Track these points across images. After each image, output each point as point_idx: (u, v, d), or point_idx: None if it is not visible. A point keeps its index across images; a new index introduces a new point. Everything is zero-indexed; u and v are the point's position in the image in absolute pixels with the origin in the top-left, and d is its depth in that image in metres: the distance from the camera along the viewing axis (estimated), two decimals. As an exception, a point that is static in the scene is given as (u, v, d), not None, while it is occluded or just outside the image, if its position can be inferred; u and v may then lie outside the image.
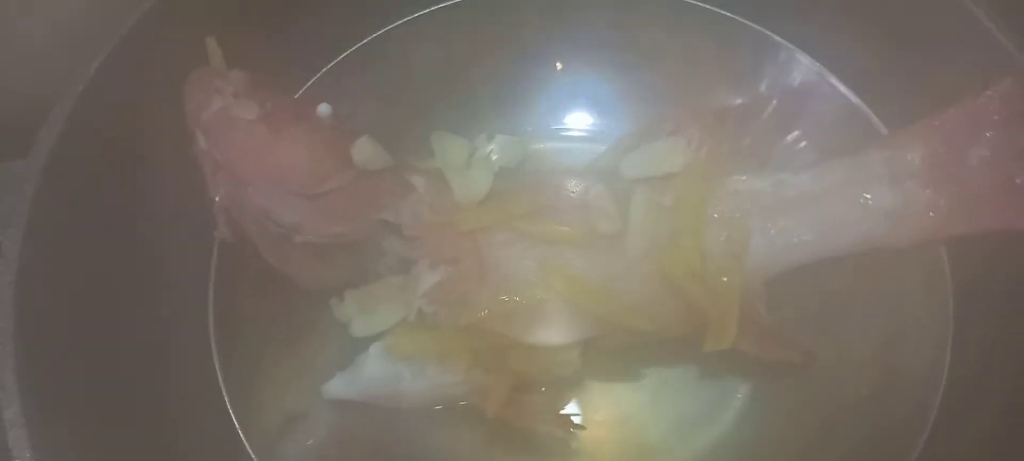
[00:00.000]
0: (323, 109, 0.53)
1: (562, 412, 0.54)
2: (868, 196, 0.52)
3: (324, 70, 0.58)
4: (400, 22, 0.59)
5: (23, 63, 0.62)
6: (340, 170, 0.51)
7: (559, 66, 0.63)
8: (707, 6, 0.58)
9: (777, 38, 0.58)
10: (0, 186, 0.48)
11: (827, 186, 0.53)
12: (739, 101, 0.59)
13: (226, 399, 0.52)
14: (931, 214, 0.51)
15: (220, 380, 0.52)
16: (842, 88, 0.56)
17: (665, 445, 0.54)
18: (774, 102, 0.57)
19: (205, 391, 0.52)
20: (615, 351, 0.54)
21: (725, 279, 0.52)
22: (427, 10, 0.59)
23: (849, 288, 0.54)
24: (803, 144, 0.58)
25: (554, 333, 0.51)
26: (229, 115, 0.49)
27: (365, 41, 0.59)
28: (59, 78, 0.48)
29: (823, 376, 0.53)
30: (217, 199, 0.50)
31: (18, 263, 0.44)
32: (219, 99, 0.50)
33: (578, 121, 0.64)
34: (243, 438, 0.51)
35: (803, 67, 0.58)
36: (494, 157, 0.58)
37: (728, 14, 0.58)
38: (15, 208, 0.45)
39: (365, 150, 0.52)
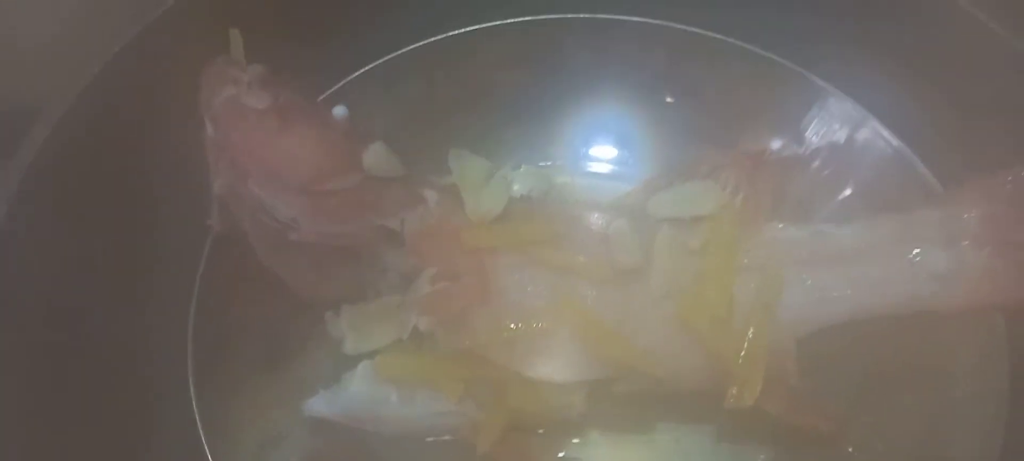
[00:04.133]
0: (339, 111, 0.52)
1: (561, 457, 0.49)
2: (917, 254, 0.48)
3: (347, 79, 0.56)
4: (431, 40, 0.57)
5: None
6: (347, 172, 0.48)
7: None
8: (750, 47, 0.55)
9: (825, 84, 0.54)
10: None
11: (872, 242, 0.49)
12: (780, 146, 0.55)
13: (195, 409, 0.49)
14: (987, 279, 0.46)
15: (192, 389, 0.49)
16: (894, 140, 0.52)
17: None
18: (819, 150, 0.54)
19: (175, 399, 0.49)
20: (624, 399, 0.49)
21: (752, 331, 0.47)
22: (459, 31, 0.57)
23: (890, 355, 0.49)
24: (848, 197, 0.53)
25: (558, 370, 0.47)
26: (239, 103, 0.47)
27: (393, 55, 0.57)
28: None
29: (855, 451, 0.48)
30: (215, 188, 0.48)
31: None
32: (232, 87, 0.48)
33: (607, 156, 0.60)
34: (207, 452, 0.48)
35: (852, 115, 0.54)
36: (515, 187, 0.55)
37: (772, 56, 0.55)
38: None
39: (377, 155, 0.50)
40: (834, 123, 0.54)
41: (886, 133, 0.53)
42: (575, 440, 0.50)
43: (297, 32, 0.53)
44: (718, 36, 0.56)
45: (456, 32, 0.57)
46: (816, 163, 0.54)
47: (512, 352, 0.47)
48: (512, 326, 0.47)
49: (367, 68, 0.56)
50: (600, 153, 0.60)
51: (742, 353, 0.47)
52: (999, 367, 0.47)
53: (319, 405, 0.49)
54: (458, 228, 0.48)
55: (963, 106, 0.48)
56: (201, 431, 0.47)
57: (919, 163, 0.51)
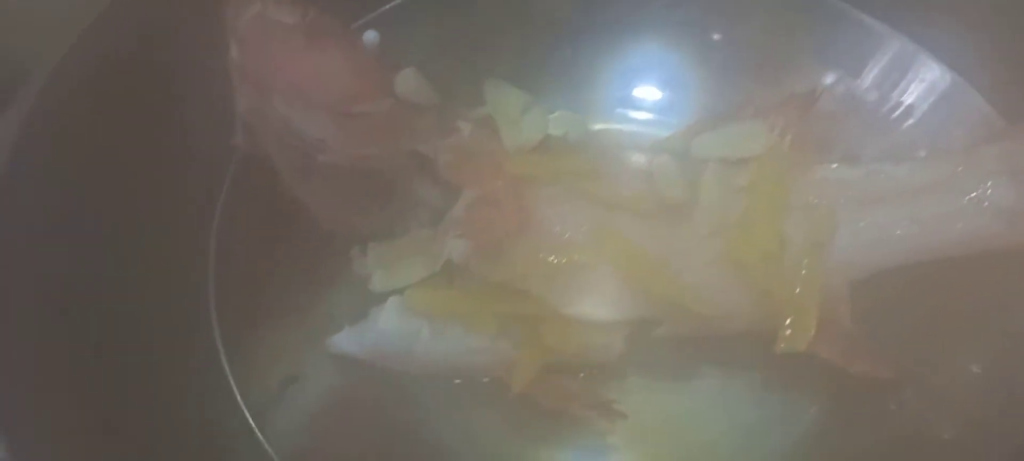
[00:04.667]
0: (370, 36, 0.50)
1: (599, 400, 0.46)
2: (980, 190, 0.45)
3: (383, 8, 0.54)
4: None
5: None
6: (377, 96, 0.46)
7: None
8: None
9: (875, 21, 0.52)
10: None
11: (930, 179, 0.46)
12: (831, 86, 0.52)
13: (218, 341, 0.46)
14: (1058, 214, 0.43)
15: (214, 321, 0.46)
16: (950, 75, 0.49)
17: (716, 459, 0.46)
18: (871, 89, 0.51)
19: (198, 331, 0.46)
20: (666, 343, 0.46)
21: (805, 268, 0.45)
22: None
23: (953, 297, 0.45)
24: (904, 137, 0.50)
25: (598, 307, 0.45)
26: (265, 18, 0.45)
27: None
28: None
29: (916, 399, 0.45)
30: (240, 106, 0.45)
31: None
32: (259, 3, 0.46)
33: (649, 98, 0.57)
34: (235, 388, 0.45)
35: (906, 52, 0.51)
36: (553, 128, 0.52)
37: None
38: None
39: (409, 81, 0.47)
40: (887, 61, 0.51)
41: (942, 68, 0.50)
42: (613, 383, 0.47)
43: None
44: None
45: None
46: (869, 103, 0.51)
47: (550, 286, 0.44)
48: (552, 259, 0.44)
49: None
50: (642, 94, 0.57)
51: (795, 289, 0.44)
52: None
53: (345, 341, 0.46)
54: (496, 153, 0.46)
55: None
56: (225, 363, 0.45)
57: (979, 98, 0.48)
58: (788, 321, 0.44)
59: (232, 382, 0.44)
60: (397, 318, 0.45)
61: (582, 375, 0.47)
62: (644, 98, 0.57)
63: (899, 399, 0.45)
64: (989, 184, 0.45)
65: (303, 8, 0.46)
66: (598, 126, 0.56)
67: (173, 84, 0.47)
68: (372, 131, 0.45)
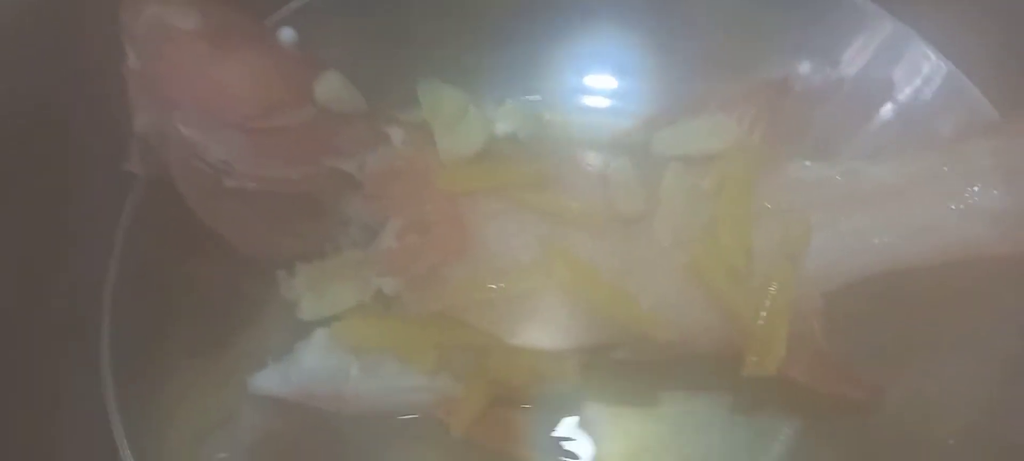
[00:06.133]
0: (286, 34, 0.45)
1: (553, 436, 0.42)
2: (969, 193, 0.41)
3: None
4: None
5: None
6: (295, 106, 0.41)
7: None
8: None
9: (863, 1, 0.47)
10: None
11: (915, 178, 0.42)
12: (807, 72, 0.47)
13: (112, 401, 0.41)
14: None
15: (108, 373, 0.42)
16: (942, 62, 0.45)
17: (684, 493, 0.43)
18: (853, 76, 0.46)
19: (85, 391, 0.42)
20: (626, 367, 0.42)
21: (775, 285, 0.41)
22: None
23: (936, 310, 0.42)
24: (888, 130, 0.46)
25: (549, 335, 0.41)
26: (164, 23, 0.40)
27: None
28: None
29: (894, 422, 0.42)
30: (136, 125, 0.40)
31: None
32: (157, 5, 0.41)
33: (605, 87, 0.52)
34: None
35: (893, 35, 0.47)
36: (501, 124, 0.48)
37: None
38: None
39: (331, 85, 0.42)
40: (871, 44, 0.47)
41: (932, 54, 0.45)
42: (569, 416, 0.43)
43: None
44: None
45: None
46: (849, 92, 0.46)
47: (493, 315, 0.40)
48: (493, 285, 0.40)
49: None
50: (596, 83, 0.52)
51: (763, 311, 0.40)
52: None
53: (269, 381, 0.41)
54: (429, 169, 0.41)
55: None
56: (120, 428, 0.41)
57: (972, 87, 0.44)
58: (757, 342, 0.40)
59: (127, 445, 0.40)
60: (324, 354, 0.41)
61: (529, 407, 0.42)
62: (600, 86, 0.52)
63: (876, 421, 0.42)
64: (977, 186, 0.41)
65: (207, 8, 0.41)
66: (551, 117, 0.51)
67: (61, 98, 0.42)
68: (289, 148, 0.40)
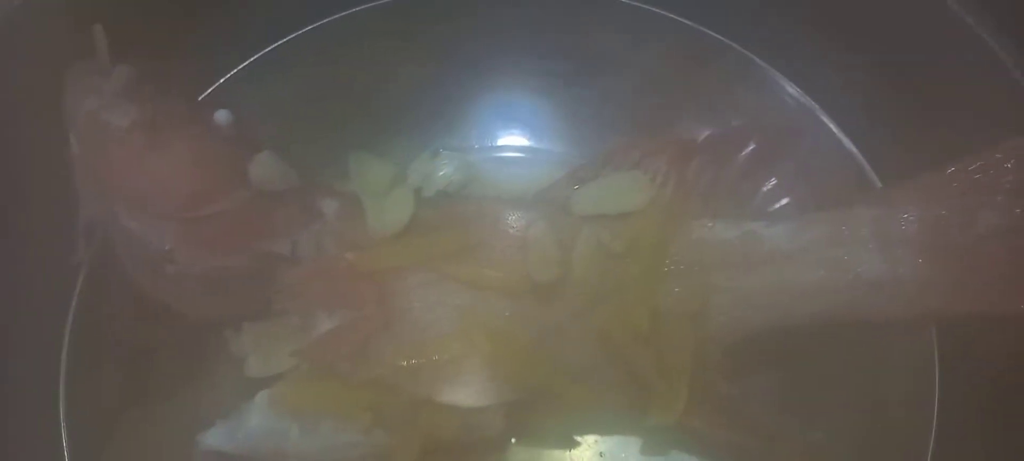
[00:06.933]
0: (221, 116, 0.46)
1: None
2: (853, 261, 0.44)
3: (232, 72, 0.51)
4: (321, 22, 0.52)
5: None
6: (231, 190, 0.44)
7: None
8: (680, 19, 0.50)
9: (764, 64, 0.49)
10: None
11: (805, 244, 0.45)
12: (712, 132, 0.50)
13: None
14: (922, 289, 0.43)
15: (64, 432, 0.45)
16: (834, 129, 0.48)
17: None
18: (755, 137, 0.49)
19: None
20: (547, 414, 0.46)
21: (676, 343, 0.44)
22: (351, 11, 0.52)
23: (823, 364, 0.46)
24: (784, 190, 0.49)
25: (473, 394, 0.44)
26: (99, 119, 0.42)
27: (281, 42, 0.51)
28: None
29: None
30: (83, 214, 0.43)
31: None
32: (94, 99, 0.43)
33: (524, 143, 0.55)
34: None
35: (790, 100, 0.49)
36: (440, 173, 0.51)
37: (705, 30, 0.50)
38: None
39: (265, 167, 0.45)
40: (773, 108, 0.50)
41: (827, 121, 0.48)
42: (497, 459, 0.47)
43: (170, 23, 0.47)
44: (647, 7, 0.50)
45: (344, 13, 0.51)
46: (751, 151, 0.49)
47: (421, 380, 0.43)
48: (416, 357, 0.43)
49: (251, 60, 0.51)
50: (515, 141, 0.55)
51: (666, 369, 0.44)
52: (930, 376, 0.44)
53: (217, 439, 0.45)
54: (350, 260, 0.44)
55: (910, 97, 0.45)
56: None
57: (859, 156, 0.47)
58: (659, 397, 0.44)
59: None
60: (266, 415, 0.44)
61: (461, 455, 0.47)
62: (519, 143, 0.55)
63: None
64: (860, 254, 0.44)
65: (141, 101, 0.43)
66: (477, 172, 0.54)
67: (14, 183, 0.44)
68: (226, 234, 0.43)
